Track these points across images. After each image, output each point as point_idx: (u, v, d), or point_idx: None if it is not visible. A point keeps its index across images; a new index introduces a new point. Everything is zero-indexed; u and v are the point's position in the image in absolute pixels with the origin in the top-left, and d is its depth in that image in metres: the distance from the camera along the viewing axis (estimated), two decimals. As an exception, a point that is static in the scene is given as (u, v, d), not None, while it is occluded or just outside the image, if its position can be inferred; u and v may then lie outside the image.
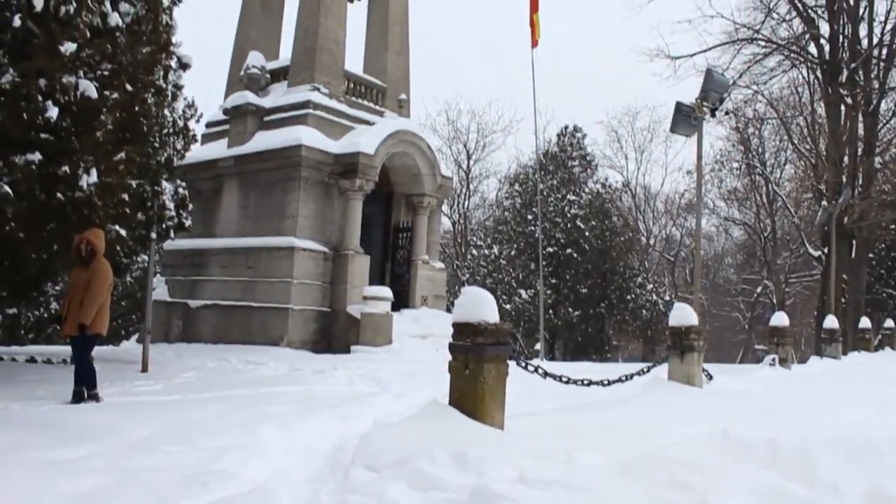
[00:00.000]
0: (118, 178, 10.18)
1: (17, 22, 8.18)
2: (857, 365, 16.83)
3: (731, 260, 58.23)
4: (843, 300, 27.51)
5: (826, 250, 27.18)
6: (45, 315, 23.59)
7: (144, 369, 12.26)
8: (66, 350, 12.84)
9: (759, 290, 44.81)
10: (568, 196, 37.15)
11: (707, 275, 53.03)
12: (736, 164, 37.70)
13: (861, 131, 27.81)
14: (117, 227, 10.47)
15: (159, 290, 19.40)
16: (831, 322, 18.84)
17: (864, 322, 21.92)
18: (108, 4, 9.53)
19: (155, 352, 13.77)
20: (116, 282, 8.60)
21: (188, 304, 19.25)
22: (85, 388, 8.37)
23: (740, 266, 53.42)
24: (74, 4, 8.62)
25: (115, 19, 9.67)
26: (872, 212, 26.32)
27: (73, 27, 8.68)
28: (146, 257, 15.31)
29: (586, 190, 38.78)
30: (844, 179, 27.30)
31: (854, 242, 27.85)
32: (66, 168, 9.10)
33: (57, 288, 20.86)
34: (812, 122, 30.44)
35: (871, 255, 32.63)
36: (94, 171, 9.51)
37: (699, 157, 17.50)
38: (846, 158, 27.86)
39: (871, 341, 22.18)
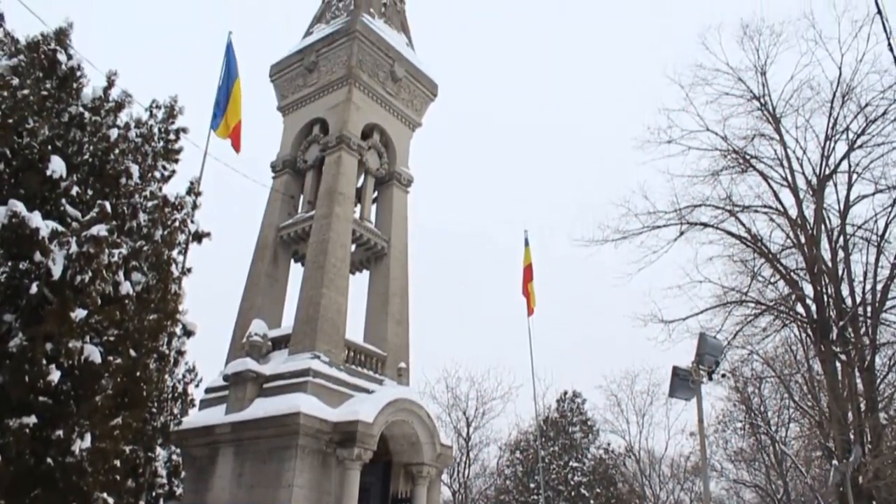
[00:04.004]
0: (112, 444, 9.98)
1: (33, 289, 8.54)
2: None
3: (748, 527, 55.22)
4: (875, 570, 25.74)
5: (846, 513, 25.91)
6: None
7: None
8: None
9: (781, 560, 42.05)
10: (570, 463, 36.25)
11: (724, 544, 50.02)
12: (739, 424, 37.15)
13: (861, 387, 27.69)
14: (105, 496, 10.05)
15: (141, 569, 18.14)
16: None
17: None
18: (121, 274, 10.01)
19: None
20: None
21: (171, 585, 17.94)
22: None
23: (758, 534, 50.57)
24: (90, 273, 9.05)
25: (126, 288, 10.12)
26: (888, 470, 25.42)
27: (86, 294, 9.04)
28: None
29: (589, 456, 37.89)
30: (852, 436, 26.69)
31: (874, 503, 26.59)
32: (60, 432, 8.98)
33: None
34: (810, 379, 30.39)
35: (895, 518, 31.00)
36: (88, 436, 9.37)
37: (700, 419, 17.30)
38: (850, 415, 27.46)
39: None
